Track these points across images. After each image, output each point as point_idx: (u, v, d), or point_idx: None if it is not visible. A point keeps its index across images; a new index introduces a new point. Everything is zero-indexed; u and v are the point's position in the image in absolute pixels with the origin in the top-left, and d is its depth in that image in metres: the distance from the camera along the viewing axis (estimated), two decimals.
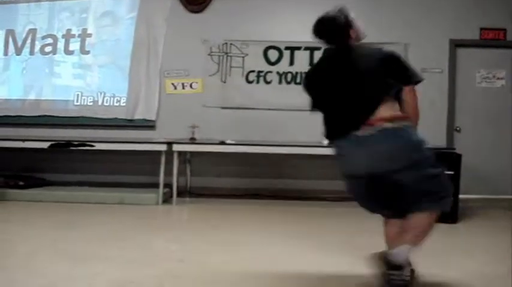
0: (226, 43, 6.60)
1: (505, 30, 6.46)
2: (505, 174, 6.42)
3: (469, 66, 6.53)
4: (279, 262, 3.46)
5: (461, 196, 5.00)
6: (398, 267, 2.52)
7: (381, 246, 2.78)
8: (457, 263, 3.50)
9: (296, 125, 6.40)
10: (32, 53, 6.84)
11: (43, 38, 6.83)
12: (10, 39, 6.88)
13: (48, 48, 6.82)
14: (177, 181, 5.90)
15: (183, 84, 6.66)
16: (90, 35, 6.79)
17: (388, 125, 2.57)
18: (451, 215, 4.88)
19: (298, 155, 5.99)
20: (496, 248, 3.89)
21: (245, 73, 6.59)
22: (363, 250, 2.95)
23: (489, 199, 6.23)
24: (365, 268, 2.79)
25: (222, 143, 5.86)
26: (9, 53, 6.87)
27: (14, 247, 3.71)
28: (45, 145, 5.93)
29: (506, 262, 3.45)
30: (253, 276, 3.11)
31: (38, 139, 6.07)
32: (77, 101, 6.70)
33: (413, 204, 2.63)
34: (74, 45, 6.79)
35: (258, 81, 6.59)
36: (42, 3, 6.87)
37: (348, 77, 2.71)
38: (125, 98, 6.66)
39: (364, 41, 6.98)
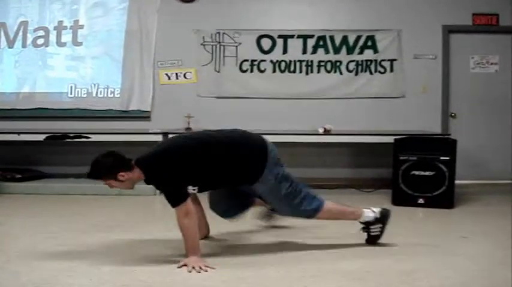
0: (218, 32, 6.57)
1: (497, 15, 6.47)
2: (500, 159, 6.49)
3: (462, 52, 6.55)
4: (276, 248, 3.51)
5: (457, 182, 5.03)
6: None
7: None
8: (454, 248, 3.55)
9: (291, 113, 6.42)
10: (24, 45, 6.76)
11: (35, 30, 6.76)
12: (2, 32, 6.81)
13: (40, 41, 6.75)
14: None
15: (176, 74, 6.65)
16: (82, 27, 6.73)
17: None
18: (447, 201, 4.93)
19: (293, 143, 5.99)
20: (493, 233, 3.93)
21: (239, 62, 6.56)
22: None
23: (484, 184, 6.29)
24: None
25: None
26: (2, 46, 6.79)
27: (14, 240, 3.73)
28: (41, 137, 5.93)
29: (504, 246, 3.49)
30: (252, 263, 3.16)
31: (34, 132, 6.07)
32: (71, 93, 6.67)
33: None
34: (66, 37, 6.73)
35: (251, 70, 6.57)
36: None
37: None
38: (119, 89, 6.63)
39: (356, 28, 6.95)
